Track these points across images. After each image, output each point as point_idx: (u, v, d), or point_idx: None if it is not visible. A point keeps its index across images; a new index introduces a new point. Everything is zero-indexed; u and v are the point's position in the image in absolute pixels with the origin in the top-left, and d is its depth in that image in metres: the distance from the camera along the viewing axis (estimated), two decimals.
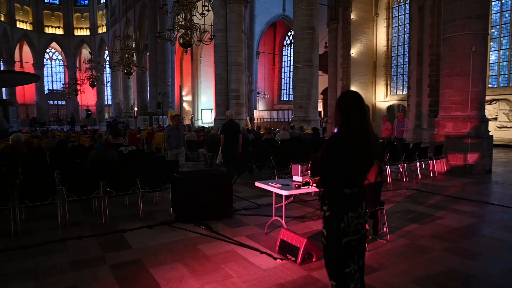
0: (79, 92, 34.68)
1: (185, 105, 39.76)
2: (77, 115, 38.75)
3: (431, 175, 9.04)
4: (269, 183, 4.61)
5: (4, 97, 31.73)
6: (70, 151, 7.86)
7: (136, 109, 33.15)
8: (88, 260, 3.96)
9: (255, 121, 29.95)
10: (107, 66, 32.95)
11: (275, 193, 4.55)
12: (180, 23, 9.40)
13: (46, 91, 42.72)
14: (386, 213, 5.67)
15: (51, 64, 44.66)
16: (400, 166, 8.72)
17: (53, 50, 44.27)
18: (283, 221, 4.58)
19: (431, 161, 9.19)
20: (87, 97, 43.86)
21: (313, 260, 3.85)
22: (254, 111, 31.70)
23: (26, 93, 40.60)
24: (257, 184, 4.80)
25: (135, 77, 33.76)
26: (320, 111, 29.29)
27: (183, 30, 9.42)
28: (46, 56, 43.32)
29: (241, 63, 18.85)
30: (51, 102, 42.81)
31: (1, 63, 35.17)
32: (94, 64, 28.51)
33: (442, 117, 9.88)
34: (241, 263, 3.84)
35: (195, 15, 9.77)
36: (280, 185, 4.50)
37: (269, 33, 35.92)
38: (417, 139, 17.14)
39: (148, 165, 5.76)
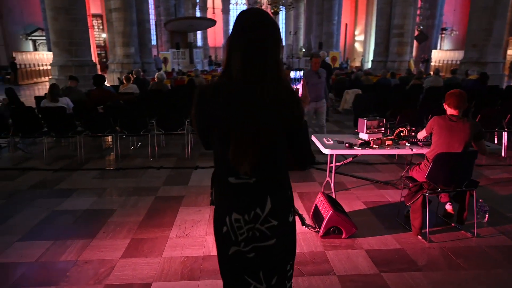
0: None
1: (356, 45, 37.38)
2: None
3: None
4: (324, 138, 3.89)
5: (199, 41, 37.18)
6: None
7: (304, 50, 33.30)
8: (146, 189, 4.41)
9: (433, 63, 25.60)
10: (282, 7, 33.70)
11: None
12: None
13: None
14: None
15: (236, 9, 49.05)
16: None
17: None
18: (332, 184, 3.86)
19: None
20: None
21: (342, 236, 3.15)
22: (433, 51, 26.93)
23: (216, 36, 46.48)
24: (312, 137, 4.13)
25: (305, 17, 33.39)
26: None
27: None
28: (232, 1, 47.64)
29: None
30: None
31: (198, 9, 40.79)
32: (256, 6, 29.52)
33: None
34: None
35: None
36: (332, 142, 3.74)
37: None
38: None
39: None
